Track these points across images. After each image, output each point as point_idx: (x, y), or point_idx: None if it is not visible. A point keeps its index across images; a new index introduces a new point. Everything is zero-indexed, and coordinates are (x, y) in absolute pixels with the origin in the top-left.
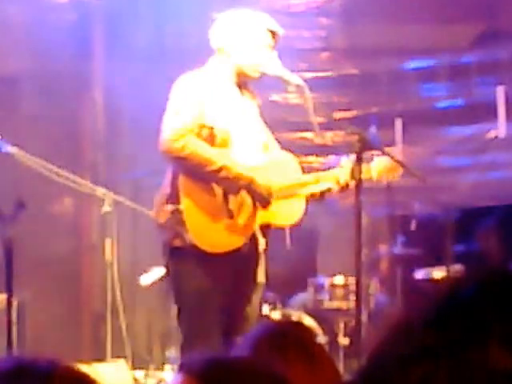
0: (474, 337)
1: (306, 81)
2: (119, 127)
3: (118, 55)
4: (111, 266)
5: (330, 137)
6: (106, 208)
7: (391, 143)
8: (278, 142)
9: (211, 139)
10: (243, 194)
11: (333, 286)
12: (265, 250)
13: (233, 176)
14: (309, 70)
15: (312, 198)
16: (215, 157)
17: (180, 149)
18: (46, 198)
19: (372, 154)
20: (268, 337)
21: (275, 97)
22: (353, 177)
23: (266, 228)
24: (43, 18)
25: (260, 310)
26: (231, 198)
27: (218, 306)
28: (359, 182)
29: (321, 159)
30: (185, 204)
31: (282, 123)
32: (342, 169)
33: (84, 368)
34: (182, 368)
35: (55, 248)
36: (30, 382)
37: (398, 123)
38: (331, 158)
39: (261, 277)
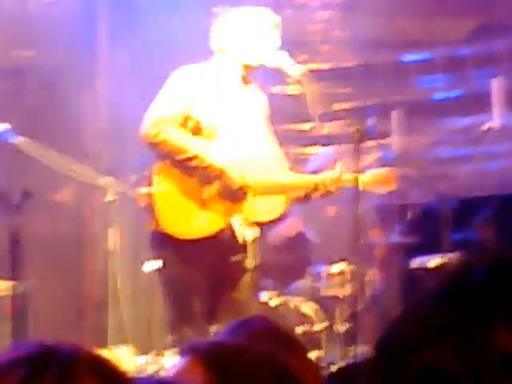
0: (484, 318)
1: (306, 72)
2: (122, 117)
3: (122, 47)
4: (113, 255)
5: (328, 127)
6: (109, 197)
7: (389, 134)
8: (277, 134)
9: (197, 131)
10: (218, 185)
11: (331, 273)
12: (257, 238)
13: (204, 166)
14: (309, 62)
15: (297, 201)
16: (188, 146)
17: (153, 136)
18: (50, 187)
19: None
20: (248, 332)
21: (274, 88)
22: (338, 182)
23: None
24: (47, 12)
25: (251, 295)
26: (205, 187)
27: (196, 290)
28: (358, 172)
29: (319, 149)
30: (157, 188)
31: (281, 114)
32: (328, 174)
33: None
34: (188, 351)
35: (59, 237)
36: (55, 366)
37: (396, 114)
38: (330, 149)
39: (249, 264)
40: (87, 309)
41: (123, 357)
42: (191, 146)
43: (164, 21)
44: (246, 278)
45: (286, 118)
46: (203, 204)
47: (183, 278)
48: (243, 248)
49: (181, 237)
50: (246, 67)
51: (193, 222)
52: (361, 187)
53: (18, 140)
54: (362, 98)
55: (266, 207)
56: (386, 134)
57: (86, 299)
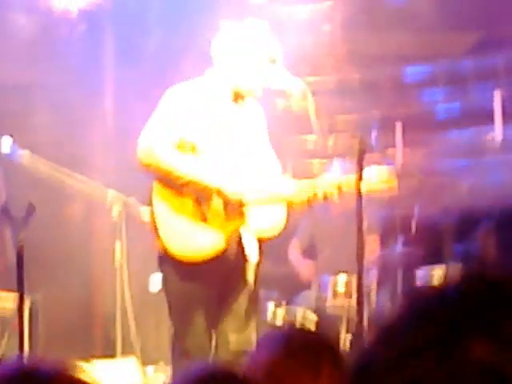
0: (460, 335)
1: (309, 86)
2: (129, 133)
3: (127, 63)
4: (121, 268)
5: (331, 140)
6: (116, 212)
7: (392, 147)
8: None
9: (192, 151)
10: (217, 201)
11: (336, 284)
12: (258, 262)
13: (200, 188)
14: (312, 76)
15: (301, 207)
16: (182, 171)
17: (147, 162)
18: (57, 201)
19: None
20: (301, 340)
21: (278, 101)
22: (339, 188)
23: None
24: (54, 29)
25: (249, 317)
26: (205, 203)
27: (200, 308)
28: (359, 184)
29: (323, 162)
30: (157, 208)
31: (285, 127)
32: (329, 179)
33: (92, 368)
34: None
35: (66, 250)
36: None
37: (398, 127)
38: (333, 161)
39: (245, 284)
40: (95, 321)
41: (131, 367)
42: (185, 171)
43: (170, 37)
44: (247, 291)
45: (289, 130)
46: (205, 220)
47: (185, 296)
48: (245, 264)
49: (184, 259)
50: (235, 89)
51: (195, 240)
52: (364, 193)
53: (26, 155)
54: (365, 111)
55: (267, 223)
56: (388, 147)
57: (94, 311)
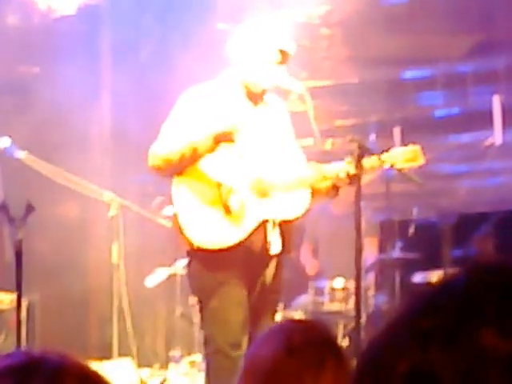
0: (467, 323)
1: (307, 89)
2: (126, 133)
3: (126, 63)
4: (118, 269)
5: (329, 144)
6: (113, 212)
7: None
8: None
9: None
10: (242, 193)
11: (333, 288)
12: (280, 252)
13: (199, 144)
14: (310, 79)
15: (327, 194)
16: (177, 148)
17: (151, 167)
18: (55, 201)
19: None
20: (303, 335)
21: None
22: (359, 167)
23: (285, 231)
24: (54, 29)
25: (271, 310)
26: (232, 196)
27: (231, 301)
28: (359, 187)
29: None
30: (179, 205)
31: None
32: (347, 163)
33: (92, 365)
34: None
35: (63, 251)
36: (40, 377)
37: (397, 131)
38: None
39: (269, 278)
40: (91, 321)
41: (127, 369)
42: (180, 146)
43: (167, 36)
44: (267, 292)
45: None
46: (228, 211)
47: (213, 291)
48: (267, 256)
49: (210, 248)
50: (247, 87)
51: (220, 230)
52: (388, 165)
53: (24, 155)
54: (363, 114)
55: (290, 205)
56: (387, 151)
57: (90, 312)
